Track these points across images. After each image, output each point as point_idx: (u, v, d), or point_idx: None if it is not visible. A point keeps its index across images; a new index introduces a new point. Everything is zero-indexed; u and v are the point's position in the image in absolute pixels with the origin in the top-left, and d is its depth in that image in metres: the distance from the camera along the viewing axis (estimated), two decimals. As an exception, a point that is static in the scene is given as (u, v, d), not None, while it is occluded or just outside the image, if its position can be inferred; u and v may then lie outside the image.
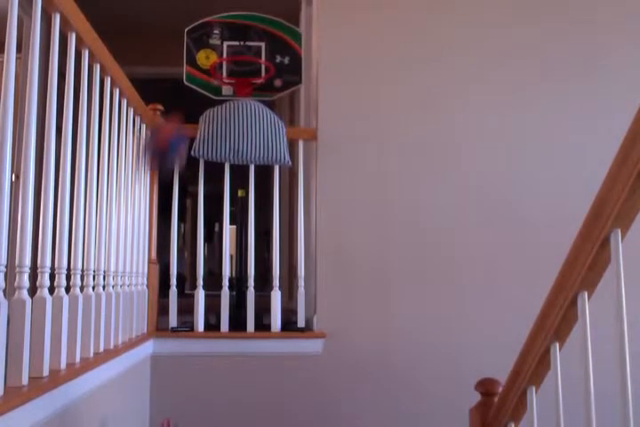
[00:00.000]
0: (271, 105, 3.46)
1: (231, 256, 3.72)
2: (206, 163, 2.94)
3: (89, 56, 1.90)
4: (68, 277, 1.75)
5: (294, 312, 3.02)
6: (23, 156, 1.45)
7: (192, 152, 2.85)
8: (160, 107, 2.93)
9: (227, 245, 2.88)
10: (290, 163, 2.94)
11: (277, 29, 3.13)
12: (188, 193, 6.73)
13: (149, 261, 2.85)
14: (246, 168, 2.97)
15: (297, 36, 3.14)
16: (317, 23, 3.18)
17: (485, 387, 1.85)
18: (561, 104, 3.10)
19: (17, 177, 1.59)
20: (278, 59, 3.11)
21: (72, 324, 1.74)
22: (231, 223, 3.00)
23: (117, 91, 2.24)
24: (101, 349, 2.04)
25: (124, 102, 2.35)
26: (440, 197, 3.01)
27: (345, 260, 2.95)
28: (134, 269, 2.55)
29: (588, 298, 1.35)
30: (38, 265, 1.54)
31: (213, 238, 8.02)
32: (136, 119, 2.56)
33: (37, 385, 1.44)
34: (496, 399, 1.80)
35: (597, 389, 1.35)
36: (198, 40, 3.10)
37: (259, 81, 3.08)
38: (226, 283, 2.86)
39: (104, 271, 2.09)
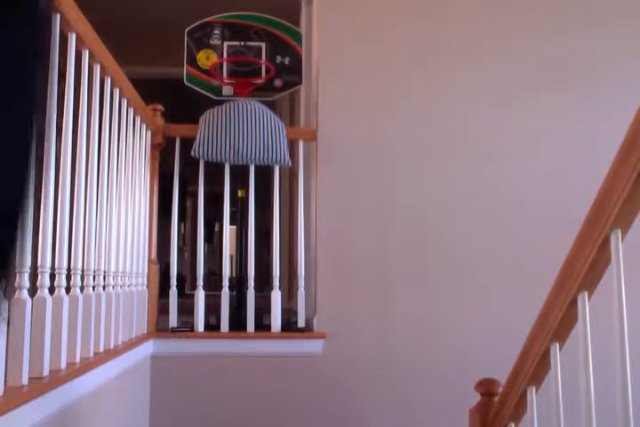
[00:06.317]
0: (271, 105, 3.46)
1: (231, 256, 3.71)
2: (206, 163, 2.94)
3: (89, 56, 1.90)
4: (69, 278, 1.75)
5: (294, 312, 3.02)
6: (23, 156, 1.44)
7: (192, 153, 2.85)
8: (160, 107, 2.93)
9: (227, 245, 2.88)
10: (290, 163, 2.94)
11: (277, 29, 3.12)
12: (187, 193, 6.73)
13: (149, 262, 2.85)
14: (246, 168, 2.97)
15: (297, 36, 3.14)
16: (317, 23, 3.18)
17: (485, 387, 1.85)
18: (562, 104, 3.10)
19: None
20: (278, 59, 3.10)
21: (72, 324, 1.74)
22: (231, 223, 3.00)
23: (118, 91, 2.24)
24: (101, 349, 2.04)
25: (125, 103, 2.35)
26: (440, 197, 3.01)
27: (345, 260, 2.95)
28: (134, 270, 2.55)
29: (588, 298, 1.35)
30: (38, 265, 1.54)
31: (213, 238, 8.02)
32: (136, 119, 2.56)
33: (37, 385, 1.44)
34: (496, 399, 1.80)
35: (597, 389, 1.35)
36: (199, 40, 3.10)
37: (259, 81, 3.08)
38: (226, 283, 2.86)
39: (104, 272, 2.09)
